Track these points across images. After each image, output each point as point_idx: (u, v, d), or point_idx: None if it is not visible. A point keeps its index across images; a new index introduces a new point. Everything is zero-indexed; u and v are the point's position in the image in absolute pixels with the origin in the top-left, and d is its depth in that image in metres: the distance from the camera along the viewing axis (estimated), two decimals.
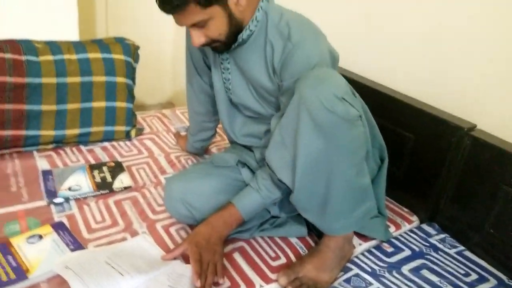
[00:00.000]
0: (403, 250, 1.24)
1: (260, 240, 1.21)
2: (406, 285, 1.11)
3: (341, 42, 1.70)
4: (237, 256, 1.14)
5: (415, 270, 1.17)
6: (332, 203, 1.03)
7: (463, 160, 1.27)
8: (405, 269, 1.17)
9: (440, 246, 1.28)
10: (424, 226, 1.36)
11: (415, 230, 1.34)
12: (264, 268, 1.11)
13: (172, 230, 1.20)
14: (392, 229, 1.33)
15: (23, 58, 1.40)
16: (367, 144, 1.05)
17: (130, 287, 0.96)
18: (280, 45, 1.05)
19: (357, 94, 1.10)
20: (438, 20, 1.36)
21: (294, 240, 1.22)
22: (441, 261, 1.21)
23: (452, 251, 1.26)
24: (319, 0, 1.73)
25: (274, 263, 1.13)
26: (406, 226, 1.36)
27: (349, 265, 1.16)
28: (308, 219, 1.12)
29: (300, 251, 1.19)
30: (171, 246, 1.14)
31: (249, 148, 1.31)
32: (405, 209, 1.44)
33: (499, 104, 1.25)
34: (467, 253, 1.26)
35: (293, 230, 1.23)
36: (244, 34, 1.07)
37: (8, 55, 1.37)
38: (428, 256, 1.23)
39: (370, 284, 1.10)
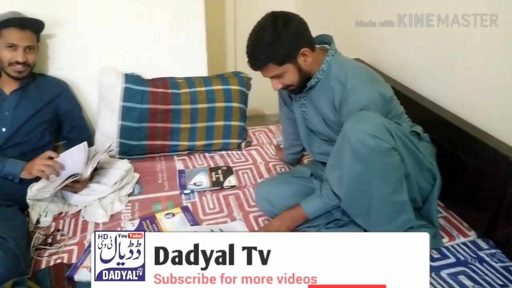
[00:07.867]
0: (448, 257, 1.41)
1: None
2: (440, 284, 1.29)
3: (419, 69, 1.87)
4: None
5: (453, 275, 1.32)
6: (373, 212, 1.32)
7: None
8: (443, 272, 1.34)
9: (487, 259, 1.39)
10: (478, 241, 1.48)
11: (468, 243, 1.48)
12: None
13: (260, 220, 1.61)
14: (445, 239, 1.50)
15: (169, 91, 1.98)
16: (402, 168, 1.30)
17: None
18: (339, 90, 1.39)
19: (396, 131, 1.30)
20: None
21: None
22: (482, 271, 1.34)
23: (498, 265, 1.36)
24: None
25: None
26: (461, 239, 1.51)
27: None
28: (358, 223, 1.43)
29: None
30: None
31: (323, 163, 1.66)
32: (465, 224, 1.58)
33: None
34: None
35: (352, 230, 1.49)
36: (312, 81, 1.44)
37: (160, 89, 1.96)
38: (471, 266, 1.36)
39: None
